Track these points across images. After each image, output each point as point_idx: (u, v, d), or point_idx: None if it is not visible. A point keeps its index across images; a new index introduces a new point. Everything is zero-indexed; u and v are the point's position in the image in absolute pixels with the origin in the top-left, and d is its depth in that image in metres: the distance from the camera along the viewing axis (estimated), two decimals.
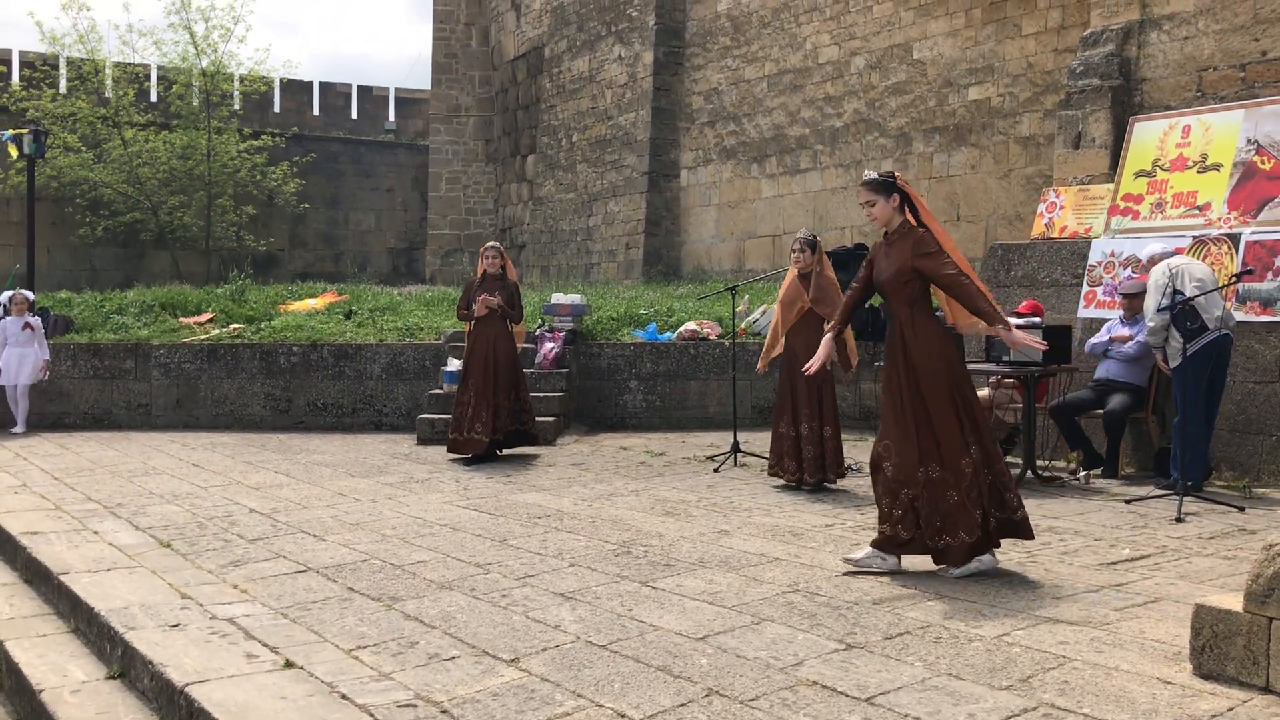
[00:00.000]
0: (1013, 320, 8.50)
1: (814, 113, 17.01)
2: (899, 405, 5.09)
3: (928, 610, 4.49)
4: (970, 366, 8.53)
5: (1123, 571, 5.18)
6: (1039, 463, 8.10)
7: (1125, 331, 8.34)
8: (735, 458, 8.91)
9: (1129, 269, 8.92)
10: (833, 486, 7.77)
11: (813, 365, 5.58)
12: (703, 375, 11.78)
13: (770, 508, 7.05)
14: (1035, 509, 6.88)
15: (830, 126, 16.71)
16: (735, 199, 18.67)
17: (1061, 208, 10.34)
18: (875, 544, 5.18)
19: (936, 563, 5.12)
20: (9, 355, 11.78)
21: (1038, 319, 8.65)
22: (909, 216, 5.34)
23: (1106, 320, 8.76)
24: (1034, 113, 13.76)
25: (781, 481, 7.89)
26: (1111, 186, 9.93)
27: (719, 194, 19.04)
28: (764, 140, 17.99)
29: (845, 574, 5.11)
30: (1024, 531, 5.11)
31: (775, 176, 17.82)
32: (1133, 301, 8.34)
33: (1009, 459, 8.75)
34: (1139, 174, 9.71)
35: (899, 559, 5.15)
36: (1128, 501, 7.11)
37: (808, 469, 7.66)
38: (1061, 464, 8.52)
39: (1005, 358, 8.10)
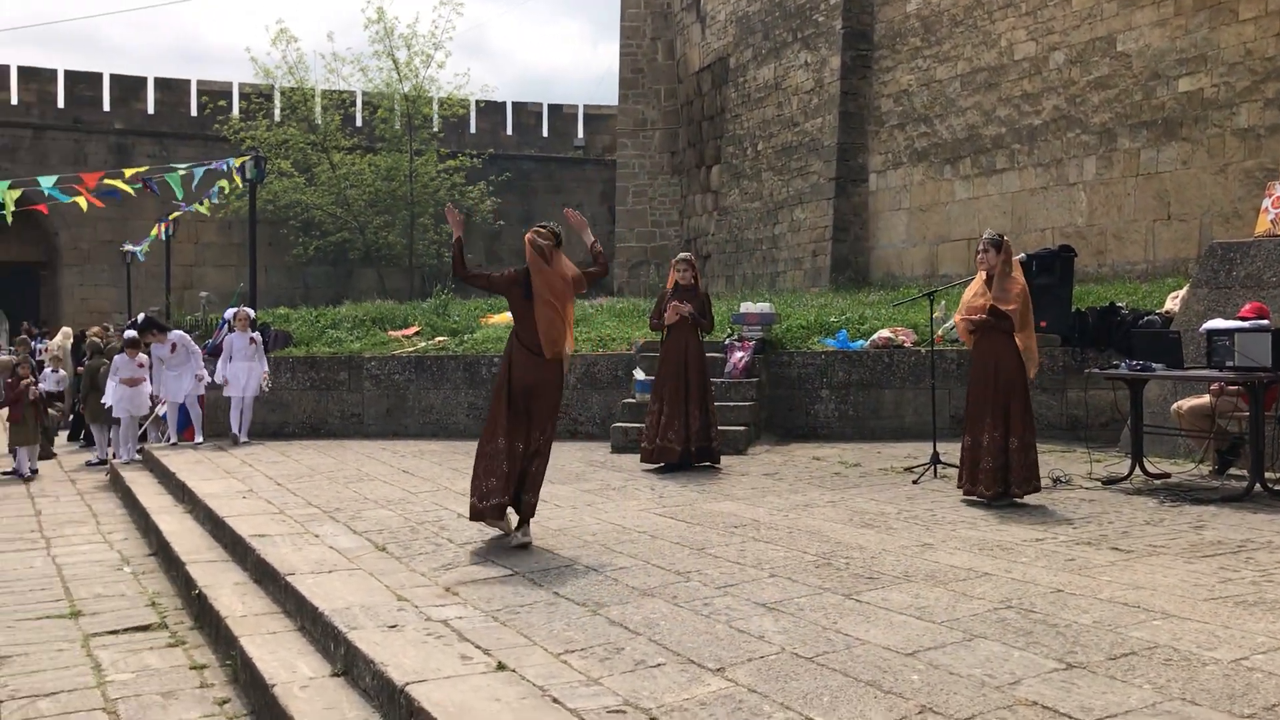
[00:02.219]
0: (1236, 324, 8.02)
1: (1010, 111, 16.45)
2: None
3: (1154, 631, 4.26)
4: (1191, 373, 8.09)
5: None
6: (1268, 475, 7.57)
7: None
8: (935, 469, 8.67)
9: None
10: (1020, 502, 7.35)
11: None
12: (898, 384, 11.52)
13: (975, 520, 6.83)
14: (1266, 524, 6.45)
15: (1028, 124, 16.13)
16: (927, 202, 18.23)
17: None
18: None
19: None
20: (236, 369, 12.51)
21: (1264, 322, 8.10)
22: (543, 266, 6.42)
23: None
24: (1253, 102, 12.92)
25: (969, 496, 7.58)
26: None
27: (910, 197, 18.64)
28: (957, 141, 17.52)
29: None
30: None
31: (969, 178, 17.32)
32: None
33: (1234, 471, 8.24)
34: None
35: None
36: None
37: (984, 482, 7.33)
38: None
39: (1229, 364, 7.60)
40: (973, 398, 7.56)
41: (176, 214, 20.11)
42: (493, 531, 6.71)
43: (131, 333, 13.29)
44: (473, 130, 32.62)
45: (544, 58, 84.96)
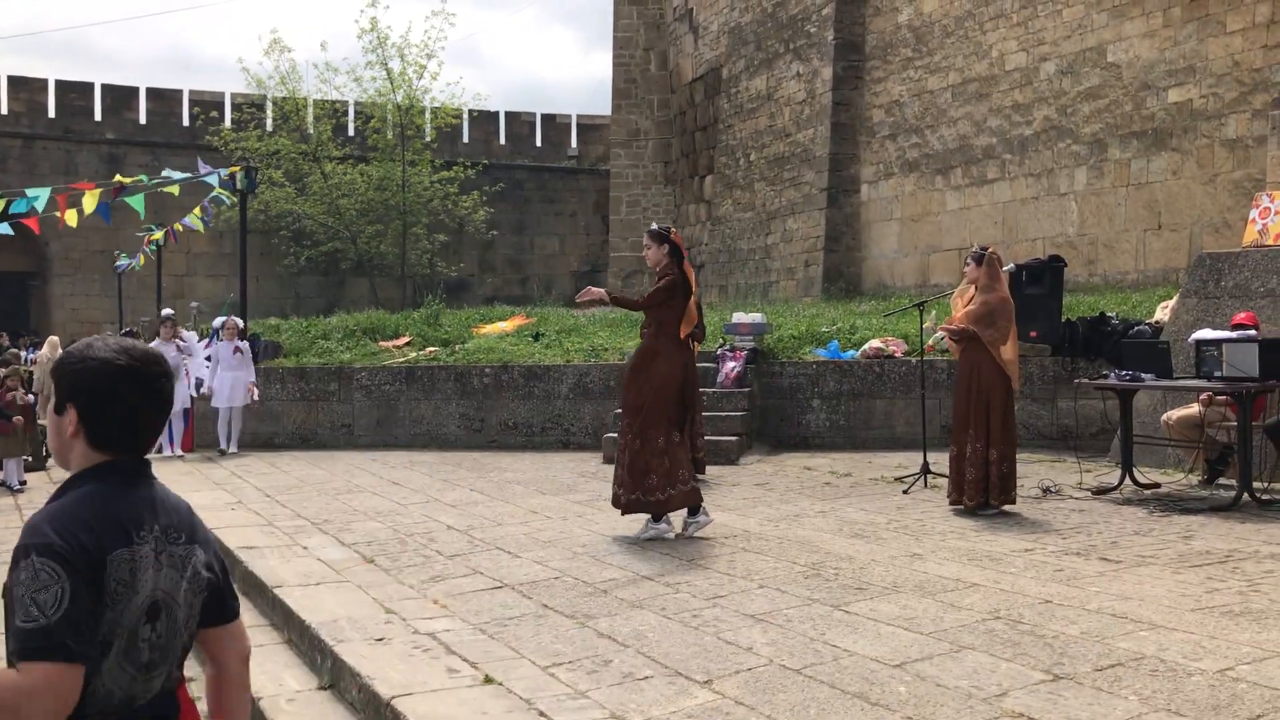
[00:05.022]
0: (1224, 334, 8.06)
1: (1001, 121, 16.50)
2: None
3: (1141, 642, 4.26)
4: (1180, 383, 8.11)
5: None
6: (1256, 485, 7.59)
7: None
8: (925, 479, 8.68)
9: None
10: (1006, 511, 7.33)
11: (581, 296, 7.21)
12: (888, 394, 11.54)
13: (964, 531, 6.83)
14: (1254, 534, 6.47)
15: (1019, 135, 16.18)
16: (918, 212, 18.27)
17: (1276, 213, 9.70)
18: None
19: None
20: (223, 378, 12.45)
21: (1252, 332, 8.13)
22: (685, 265, 6.82)
23: None
24: (1241, 113, 12.98)
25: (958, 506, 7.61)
26: None
27: (901, 208, 18.68)
28: (948, 151, 17.56)
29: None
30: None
31: (961, 188, 17.36)
32: None
33: (1223, 480, 8.26)
34: None
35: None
36: None
37: (967, 492, 7.37)
38: None
39: (1217, 373, 7.63)
40: (957, 409, 7.61)
41: (172, 227, 20.04)
42: (481, 543, 6.70)
43: (168, 311, 13.47)
44: (466, 140, 32.63)
45: (537, 67, 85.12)
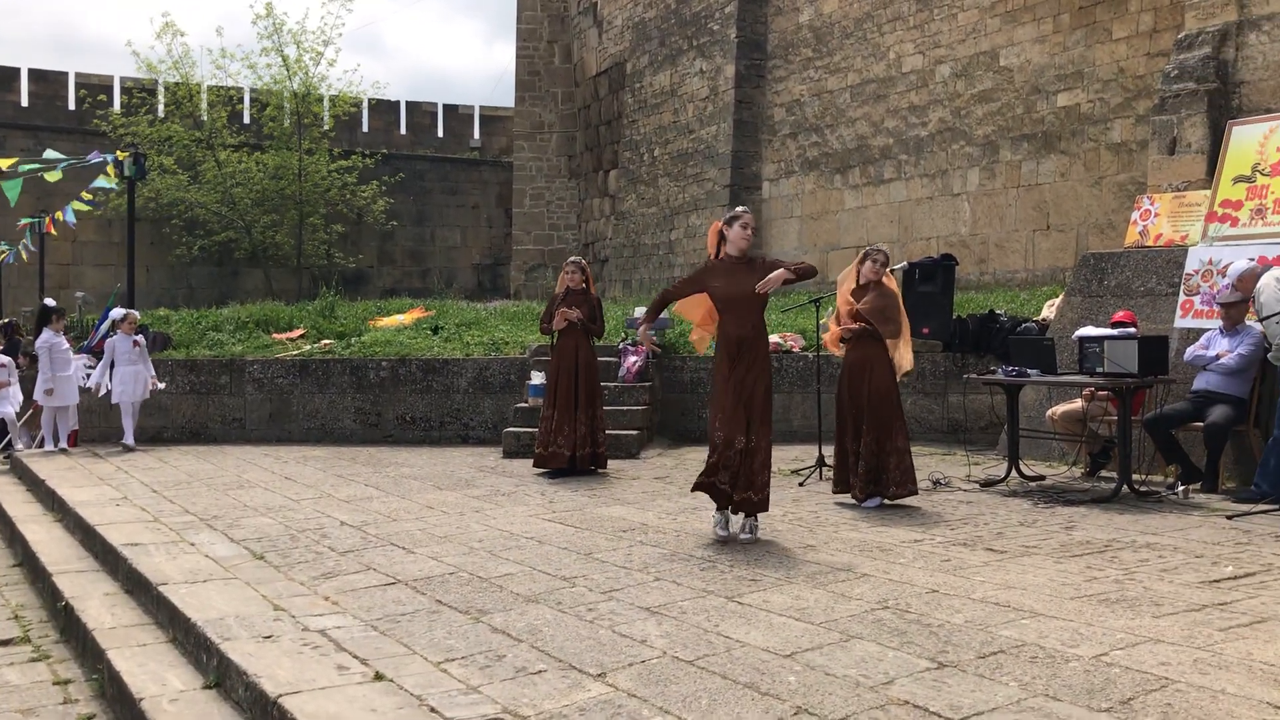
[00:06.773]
0: (1106, 331, 8.34)
1: (898, 122, 16.82)
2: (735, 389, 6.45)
3: (1022, 629, 4.39)
4: (1063, 378, 8.37)
5: (1226, 590, 5.01)
6: (1135, 477, 7.88)
7: (1225, 345, 8.06)
8: (820, 472, 8.82)
9: (1228, 278, 8.64)
10: (899, 503, 7.52)
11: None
12: (786, 388, 11.68)
13: (857, 522, 6.96)
14: (1131, 524, 6.70)
15: (915, 136, 16.51)
16: (818, 211, 18.54)
17: (1156, 215, 10.07)
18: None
19: (740, 511, 6.47)
20: (124, 373, 11.97)
21: (1133, 329, 8.43)
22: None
23: (1205, 330, 8.50)
24: (1126, 118, 13.44)
25: (845, 498, 7.77)
26: (1209, 193, 9.65)
27: (801, 206, 18.92)
28: (847, 151, 17.85)
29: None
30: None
31: (859, 187, 17.66)
32: (1231, 311, 8.07)
33: (1104, 473, 8.55)
34: (1238, 179, 9.41)
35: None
36: (1229, 517, 6.87)
37: (858, 485, 7.53)
38: (1158, 478, 8.28)
39: (1099, 369, 7.89)
40: (853, 403, 7.67)
41: (54, 215, 19.31)
42: (375, 539, 6.61)
43: (51, 301, 12.88)
44: (365, 129, 32.10)
45: (439, 57, 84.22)
